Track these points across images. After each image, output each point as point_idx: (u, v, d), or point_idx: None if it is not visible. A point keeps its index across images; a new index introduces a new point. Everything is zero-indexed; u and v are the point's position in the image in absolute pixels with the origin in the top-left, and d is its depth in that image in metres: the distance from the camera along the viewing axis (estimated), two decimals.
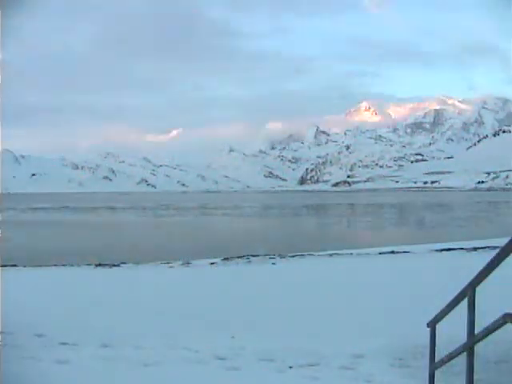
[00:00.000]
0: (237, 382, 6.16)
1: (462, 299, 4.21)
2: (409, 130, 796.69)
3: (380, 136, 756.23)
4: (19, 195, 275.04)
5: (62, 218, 71.69)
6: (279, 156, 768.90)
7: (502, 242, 3.60)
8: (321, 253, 22.89)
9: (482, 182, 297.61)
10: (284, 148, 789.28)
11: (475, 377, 3.99)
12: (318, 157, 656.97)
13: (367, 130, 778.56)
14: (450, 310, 4.60)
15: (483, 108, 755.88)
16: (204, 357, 7.03)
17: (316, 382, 5.99)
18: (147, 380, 6.10)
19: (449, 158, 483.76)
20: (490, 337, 3.70)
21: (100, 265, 19.61)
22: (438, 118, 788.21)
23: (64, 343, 7.79)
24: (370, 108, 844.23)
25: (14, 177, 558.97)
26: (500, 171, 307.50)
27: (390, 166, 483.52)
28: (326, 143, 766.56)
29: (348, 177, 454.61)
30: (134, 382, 6.10)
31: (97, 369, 6.45)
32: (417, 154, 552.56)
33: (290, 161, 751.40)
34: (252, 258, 20.90)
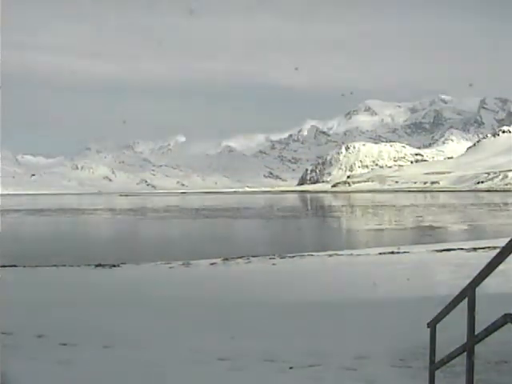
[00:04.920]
0: (238, 382, 6.16)
1: (462, 299, 4.21)
2: (408, 130, 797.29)
3: (380, 136, 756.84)
4: (19, 195, 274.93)
5: (61, 218, 71.69)
6: (279, 156, 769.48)
7: (502, 242, 3.65)
8: (321, 253, 22.91)
9: (482, 182, 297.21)
10: (284, 148, 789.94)
11: (475, 377, 3.99)
12: (318, 157, 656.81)
13: (367, 131, 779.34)
14: (449, 310, 4.60)
15: (483, 108, 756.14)
16: (204, 357, 7.03)
17: (317, 383, 5.99)
18: (148, 381, 6.10)
19: (449, 158, 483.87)
20: (490, 337, 3.69)
21: (100, 265, 19.60)
22: (437, 118, 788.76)
23: (64, 344, 7.78)
24: (369, 108, 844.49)
25: (13, 177, 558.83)
26: (500, 171, 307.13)
27: (389, 166, 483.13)
28: (326, 143, 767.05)
29: (348, 177, 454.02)
30: (135, 383, 6.10)
31: (97, 369, 6.46)
32: (417, 154, 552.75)
33: (289, 161, 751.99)
34: (252, 259, 20.90)
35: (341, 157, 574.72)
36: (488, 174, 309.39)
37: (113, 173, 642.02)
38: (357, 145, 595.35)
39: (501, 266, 3.57)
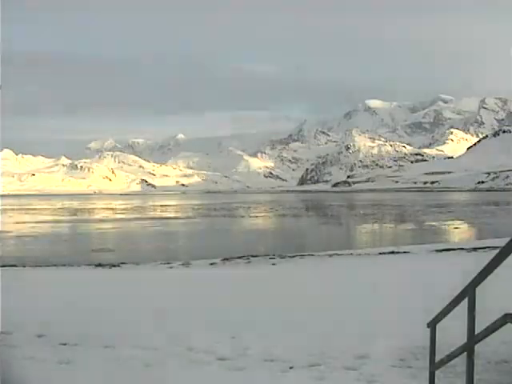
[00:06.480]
0: (238, 382, 6.15)
1: (462, 299, 4.21)
2: (409, 130, 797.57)
3: (380, 136, 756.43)
4: (19, 195, 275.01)
5: (61, 218, 71.70)
6: (279, 156, 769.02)
7: (502, 242, 3.65)
8: (321, 253, 22.91)
9: (482, 182, 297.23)
10: (284, 148, 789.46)
11: (475, 377, 3.99)
12: (318, 157, 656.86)
13: (367, 130, 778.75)
14: (450, 310, 4.60)
15: (483, 108, 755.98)
16: (205, 357, 7.03)
17: (317, 383, 5.99)
18: (148, 381, 6.10)
19: (449, 157, 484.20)
20: (490, 337, 3.69)
21: (100, 265, 19.62)
22: (437, 117, 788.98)
23: (64, 344, 7.78)
24: (369, 108, 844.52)
25: (13, 177, 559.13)
26: (500, 171, 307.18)
27: (389, 166, 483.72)
28: (326, 143, 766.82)
29: (348, 177, 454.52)
30: (135, 383, 6.10)
31: (98, 369, 6.46)
32: (417, 154, 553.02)
33: (289, 161, 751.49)
34: (252, 259, 20.91)
35: (341, 157, 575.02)
36: (488, 174, 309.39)
37: (113, 173, 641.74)
38: (357, 145, 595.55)
39: (501, 266, 3.56)
